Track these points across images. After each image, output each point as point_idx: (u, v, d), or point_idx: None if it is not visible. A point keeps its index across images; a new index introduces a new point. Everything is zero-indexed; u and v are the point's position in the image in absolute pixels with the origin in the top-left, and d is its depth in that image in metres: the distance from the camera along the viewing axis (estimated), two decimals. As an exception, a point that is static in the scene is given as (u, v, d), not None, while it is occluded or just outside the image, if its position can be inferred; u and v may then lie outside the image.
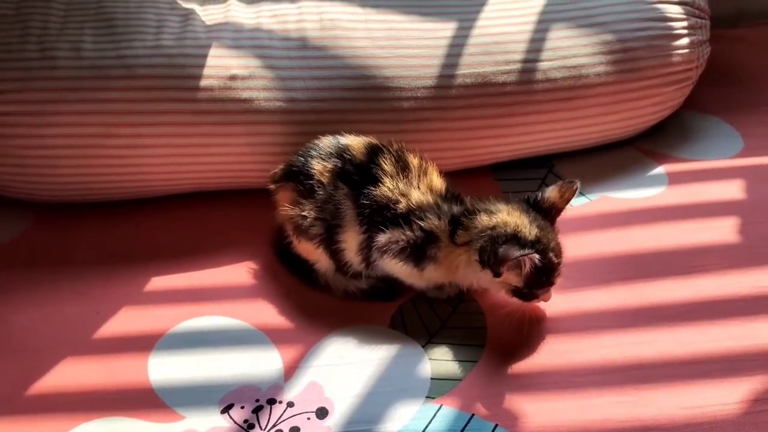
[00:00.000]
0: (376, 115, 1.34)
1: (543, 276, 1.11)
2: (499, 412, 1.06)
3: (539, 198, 1.16)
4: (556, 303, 1.18)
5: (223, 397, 1.10)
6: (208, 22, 1.40)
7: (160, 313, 1.22)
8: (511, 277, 1.12)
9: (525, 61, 1.37)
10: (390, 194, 1.16)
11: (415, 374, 1.12)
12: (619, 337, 1.15)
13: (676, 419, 1.03)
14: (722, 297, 1.20)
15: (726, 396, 1.06)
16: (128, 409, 1.09)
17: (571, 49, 1.39)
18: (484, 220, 1.13)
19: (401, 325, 1.19)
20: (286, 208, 1.22)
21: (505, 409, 1.06)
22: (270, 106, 1.33)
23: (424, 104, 1.35)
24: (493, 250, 1.09)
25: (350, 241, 1.19)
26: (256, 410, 1.08)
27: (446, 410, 1.07)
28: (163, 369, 1.14)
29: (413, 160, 1.19)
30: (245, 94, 1.33)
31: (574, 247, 1.21)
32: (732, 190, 1.39)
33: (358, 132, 1.26)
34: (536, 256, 1.07)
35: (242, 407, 1.09)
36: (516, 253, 1.07)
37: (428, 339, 1.17)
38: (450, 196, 1.18)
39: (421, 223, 1.14)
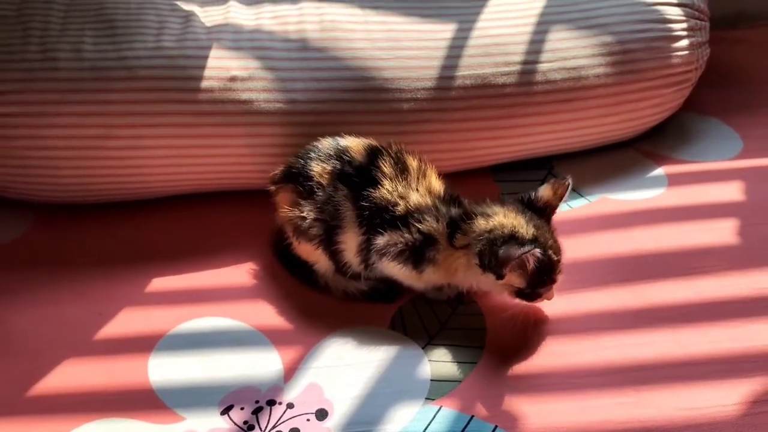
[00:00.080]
0: (375, 116, 1.34)
1: (544, 274, 1.11)
2: (499, 414, 1.06)
3: (533, 197, 1.17)
4: (556, 304, 1.18)
5: (223, 398, 1.10)
6: (208, 24, 1.40)
7: (161, 314, 1.22)
8: (514, 279, 1.12)
9: (525, 62, 1.38)
10: (389, 196, 1.16)
11: (415, 375, 1.12)
12: (618, 339, 1.15)
13: (676, 420, 1.04)
14: (722, 298, 1.20)
15: (725, 397, 1.06)
16: (128, 410, 1.09)
17: (571, 51, 1.39)
18: (481, 224, 1.13)
19: (401, 327, 1.19)
20: (286, 209, 1.22)
21: (504, 410, 1.06)
22: (270, 108, 1.33)
23: (424, 105, 1.35)
24: (493, 253, 1.10)
25: (349, 243, 1.19)
26: (256, 411, 1.08)
27: (446, 411, 1.07)
28: (163, 370, 1.14)
29: (412, 162, 1.20)
30: (245, 96, 1.33)
31: (573, 248, 1.21)
32: (731, 191, 1.39)
33: (357, 133, 1.26)
34: (538, 251, 1.08)
35: (242, 408, 1.09)
36: (517, 252, 1.07)
37: (428, 340, 1.17)
38: (448, 198, 1.18)
39: (420, 226, 1.14)
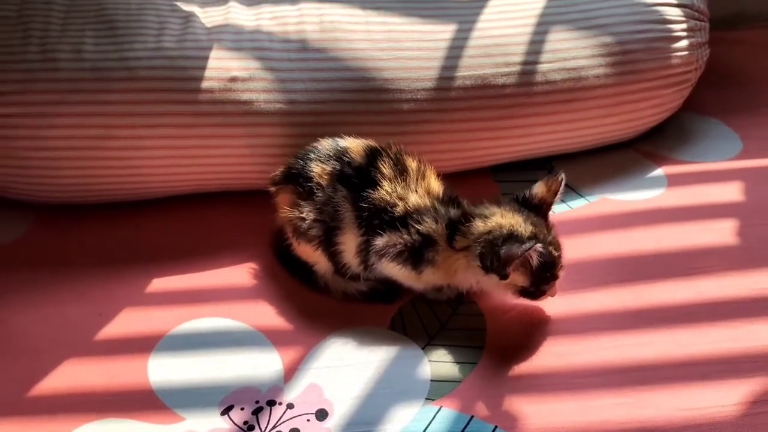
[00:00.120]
0: (375, 117, 1.35)
1: (546, 271, 1.12)
2: (499, 414, 1.06)
3: (528, 195, 1.17)
4: (556, 305, 1.18)
5: (223, 398, 1.10)
6: (208, 24, 1.40)
7: (161, 314, 1.22)
8: (517, 278, 1.12)
9: (524, 63, 1.38)
10: (388, 197, 1.16)
11: (415, 376, 1.12)
12: (618, 339, 1.15)
13: (675, 421, 1.04)
14: (721, 299, 1.20)
15: (725, 398, 1.06)
16: (128, 411, 1.09)
17: (571, 51, 1.39)
18: (479, 225, 1.13)
19: (401, 327, 1.19)
20: (286, 210, 1.22)
21: (504, 410, 1.07)
22: (270, 108, 1.33)
23: (424, 106, 1.35)
24: (494, 254, 1.10)
25: (349, 243, 1.19)
26: (256, 412, 1.08)
27: (446, 412, 1.07)
28: (163, 370, 1.14)
29: (412, 163, 1.20)
30: (245, 96, 1.33)
31: (573, 248, 1.21)
32: (731, 192, 1.39)
33: (357, 134, 1.26)
34: (539, 246, 1.08)
35: (242, 409, 1.09)
36: (519, 250, 1.08)
37: (428, 341, 1.17)
38: (447, 199, 1.18)
39: (419, 227, 1.14)
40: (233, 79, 1.33)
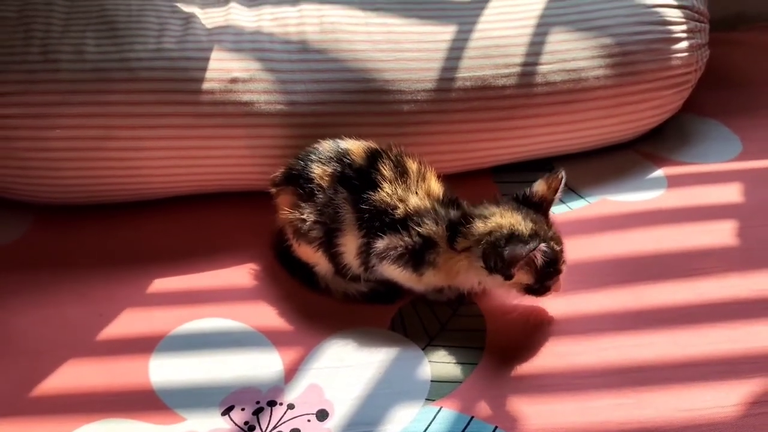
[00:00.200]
0: (376, 118, 1.35)
1: (550, 267, 1.12)
2: (499, 414, 1.06)
3: (528, 193, 1.17)
4: (556, 305, 1.18)
5: (224, 399, 1.10)
6: (209, 26, 1.40)
7: (161, 314, 1.22)
8: (522, 276, 1.12)
9: (525, 64, 1.38)
10: (388, 199, 1.16)
11: (415, 376, 1.12)
12: (618, 340, 1.15)
13: (675, 421, 1.04)
14: (721, 300, 1.20)
15: (724, 398, 1.06)
16: (129, 411, 1.09)
17: (571, 53, 1.39)
18: (479, 226, 1.13)
19: (401, 328, 1.19)
20: (286, 211, 1.22)
21: (504, 411, 1.07)
22: (270, 109, 1.33)
23: (424, 107, 1.36)
24: (498, 255, 1.10)
25: (349, 245, 1.20)
26: (257, 412, 1.08)
27: (446, 412, 1.07)
28: (164, 371, 1.14)
29: (412, 165, 1.20)
30: (246, 97, 1.33)
31: (573, 249, 1.21)
32: (731, 193, 1.39)
33: (358, 135, 1.26)
34: (543, 245, 1.08)
35: (243, 409, 1.09)
36: (524, 250, 1.08)
37: (428, 341, 1.17)
38: (447, 200, 1.18)
39: (419, 229, 1.14)
40: (234, 80, 1.33)
